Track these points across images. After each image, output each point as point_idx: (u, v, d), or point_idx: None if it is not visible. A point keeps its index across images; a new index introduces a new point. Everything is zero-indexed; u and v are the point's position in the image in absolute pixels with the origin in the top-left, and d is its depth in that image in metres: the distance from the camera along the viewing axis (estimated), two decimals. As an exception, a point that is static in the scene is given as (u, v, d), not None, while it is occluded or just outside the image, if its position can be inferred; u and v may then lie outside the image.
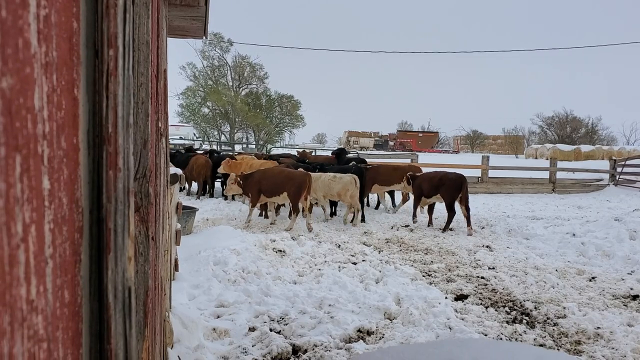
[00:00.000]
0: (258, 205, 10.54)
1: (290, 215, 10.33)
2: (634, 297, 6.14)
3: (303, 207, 9.97)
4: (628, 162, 22.06)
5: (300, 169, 11.07)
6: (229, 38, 48.31)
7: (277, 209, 11.14)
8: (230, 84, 52.21)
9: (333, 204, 11.93)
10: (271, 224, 10.38)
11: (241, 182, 10.18)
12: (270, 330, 4.79)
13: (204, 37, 4.53)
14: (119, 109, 0.78)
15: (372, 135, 75.88)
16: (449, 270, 7.22)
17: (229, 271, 6.38)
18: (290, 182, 9.92)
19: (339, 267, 6.96)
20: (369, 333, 4.86)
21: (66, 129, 0.63)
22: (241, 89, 52.49)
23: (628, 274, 7.15)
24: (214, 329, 4.74)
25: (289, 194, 9.88)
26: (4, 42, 0.41)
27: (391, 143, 71.15)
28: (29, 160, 0.48)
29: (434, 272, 7.10)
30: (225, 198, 13.98)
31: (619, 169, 21.58)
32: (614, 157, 23.74)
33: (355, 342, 4.65)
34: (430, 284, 6.45)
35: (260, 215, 11.49)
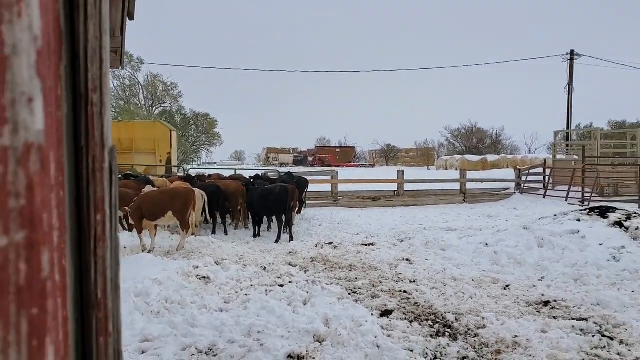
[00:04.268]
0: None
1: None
2: (545, 303, 6.55)
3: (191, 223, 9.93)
4: (531, 171, 23.91)
5: (181, 184, 11.46)
6: (139, 56, 47.07)
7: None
8: (143, 102, 50.80)
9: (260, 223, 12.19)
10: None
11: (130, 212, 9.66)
12: (199, 363, 4.68)
13: (120, 67, 4.41)
14: (107, 272, 0.78)
15: (292, 151, 76.38)
16: (373, 286, 7.37)
17: (151, 302, 6.16)
18: (174, 200, 9.66)
19: (266, 290, 6.90)
20: (299, 358, 4.86)
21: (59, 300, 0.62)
22: (154, 107, 51.21)
23: (539, 280, 7.62)
24: (140, 367, 4.57)
25: (175, 212, 9.61)
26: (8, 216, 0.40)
27: (310, 159, 71.90)
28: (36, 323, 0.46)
29: (359, 289, 7.22)
30: None
31: (523, 178, 23.15)
32: (518, 167, 25.39)
33: (286, 368, 4.65)
34: (357, 301, 6.55)
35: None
